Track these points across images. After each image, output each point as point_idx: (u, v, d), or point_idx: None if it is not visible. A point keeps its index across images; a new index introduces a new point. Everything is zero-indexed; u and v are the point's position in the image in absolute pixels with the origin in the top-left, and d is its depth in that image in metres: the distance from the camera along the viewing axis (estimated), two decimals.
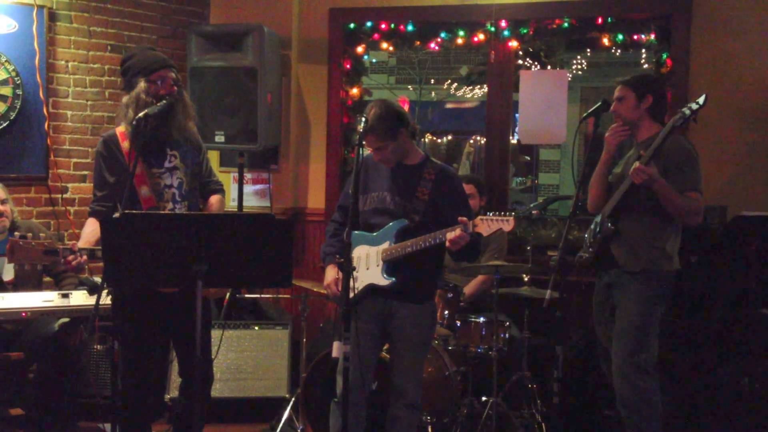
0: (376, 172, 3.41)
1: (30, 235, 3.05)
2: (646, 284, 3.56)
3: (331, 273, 3.45)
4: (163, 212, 3.24)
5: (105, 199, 3.29)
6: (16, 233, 3.11)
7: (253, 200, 5.48)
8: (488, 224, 3.11)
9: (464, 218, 3.10)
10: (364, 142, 3.15)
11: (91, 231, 3.20)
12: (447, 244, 3.12)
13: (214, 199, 3.58)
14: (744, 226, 4.15)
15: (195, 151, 3.46)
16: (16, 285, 4.19)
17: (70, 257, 3.05)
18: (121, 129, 3.31)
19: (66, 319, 4.11)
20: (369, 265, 3.34)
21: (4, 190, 4.23)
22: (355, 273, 3.02)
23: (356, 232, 3.36)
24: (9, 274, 4.17)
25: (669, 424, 3.69)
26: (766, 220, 4.13)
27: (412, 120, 3.34)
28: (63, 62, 5.05)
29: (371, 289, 3.32)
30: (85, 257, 3.08)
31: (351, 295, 2.89)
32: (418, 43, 5.37)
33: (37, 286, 4.25)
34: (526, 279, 4.53)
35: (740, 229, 4.17)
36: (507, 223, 3.10)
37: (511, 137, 5.37)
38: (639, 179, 3.37)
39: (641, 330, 3.55)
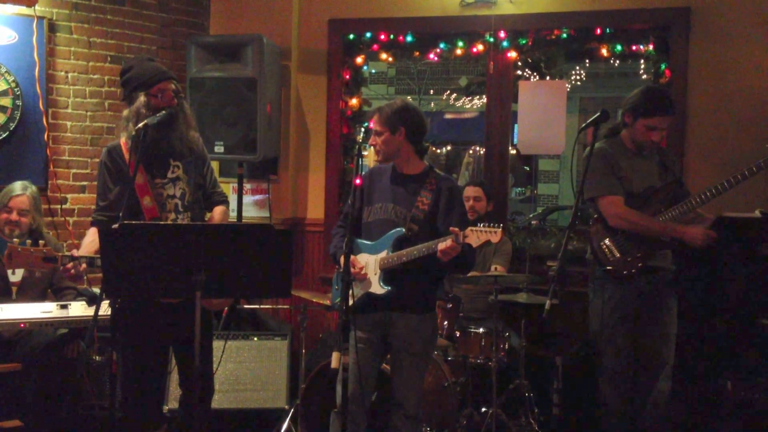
0: (380, 184, 3.42)
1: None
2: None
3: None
4: (161, 222, 3.23)
5: (107, 208, 3.28)
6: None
7: (253, 211, 5.47)
8: (477, 236, 3.09)
9: (455, 229, 3.08)
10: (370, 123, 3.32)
11: (91, 241, 3.19)
12: (438, 254, 3.10)
13: (217, 210, 3.57)
14: (726, 226, 4.12)
15: (199, 162, 3.45)
16: (20, 289, 4.22)
17: (69, 264, 3.04)
18: (124, 140, 3.31)
19: (64, 330, 4.10)
20: (368, 274, 3.33)
21: (32, 199, 4.27)
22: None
23: (358, 240, 3.38)
24: (17, 277, 4.20)
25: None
26: (747, 222, 4.11)
27: (426, 137, 3.38)
28: (63, 73, 5.06)
29: (370, 299, 3.30)
30: (84, 265, 3.06)
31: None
32: (417, 53, 5.39)
33: (38, 297, 4.26)
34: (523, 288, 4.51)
35: (722, 229, 4.14)
36: (495, 235, 3.09)
37: (510, 147, 5.37)
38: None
39: None
